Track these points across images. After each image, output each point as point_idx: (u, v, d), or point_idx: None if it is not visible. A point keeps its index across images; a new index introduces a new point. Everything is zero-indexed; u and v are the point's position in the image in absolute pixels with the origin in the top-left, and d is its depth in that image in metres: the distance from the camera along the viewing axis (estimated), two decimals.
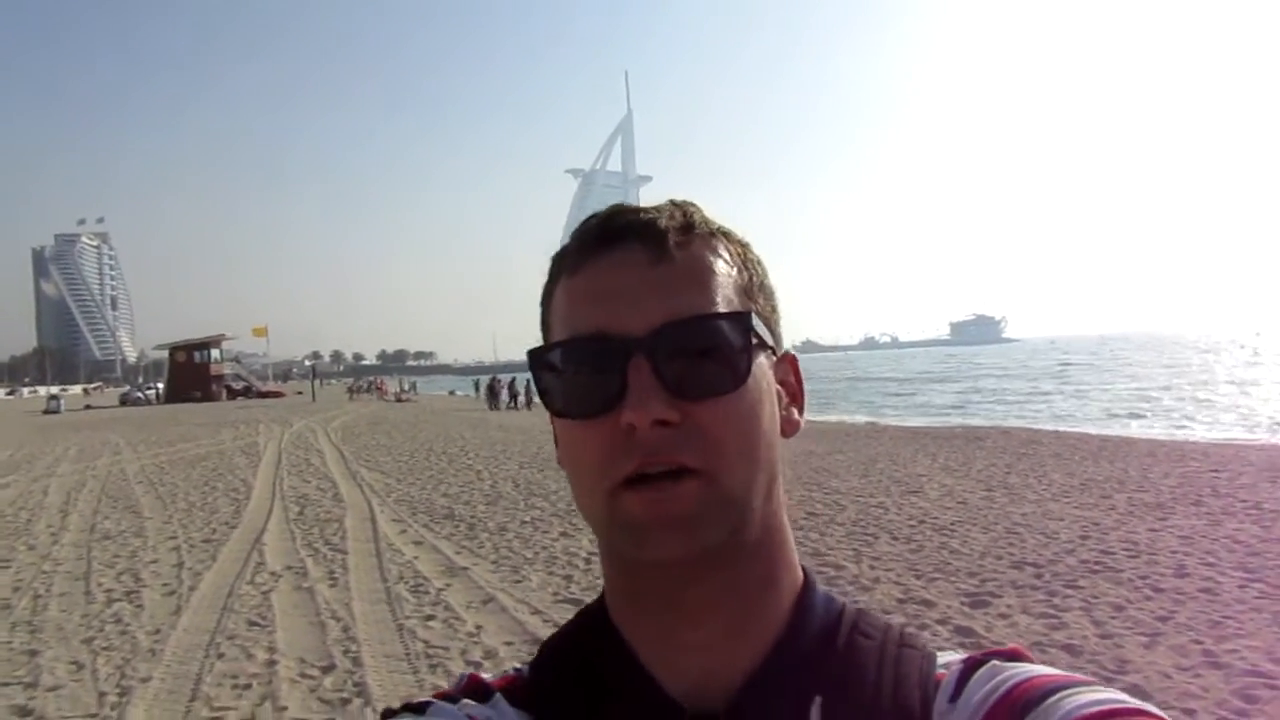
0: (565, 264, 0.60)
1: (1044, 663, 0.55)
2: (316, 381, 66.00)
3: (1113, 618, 5.13)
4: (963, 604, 5.52)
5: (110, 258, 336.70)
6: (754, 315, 0.56)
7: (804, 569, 0.61)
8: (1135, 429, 21.03)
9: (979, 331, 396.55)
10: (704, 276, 0.56)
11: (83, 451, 19.95)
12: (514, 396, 37.62)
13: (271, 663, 4.92)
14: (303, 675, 4.73)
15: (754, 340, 0.55)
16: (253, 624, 5.67)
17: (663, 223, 0.57)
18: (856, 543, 7.40)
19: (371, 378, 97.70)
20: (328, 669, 4.79)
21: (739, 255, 0.60)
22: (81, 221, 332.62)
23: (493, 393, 38.77)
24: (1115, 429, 20.92)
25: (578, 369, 0.55)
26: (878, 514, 8.68)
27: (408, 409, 39.92)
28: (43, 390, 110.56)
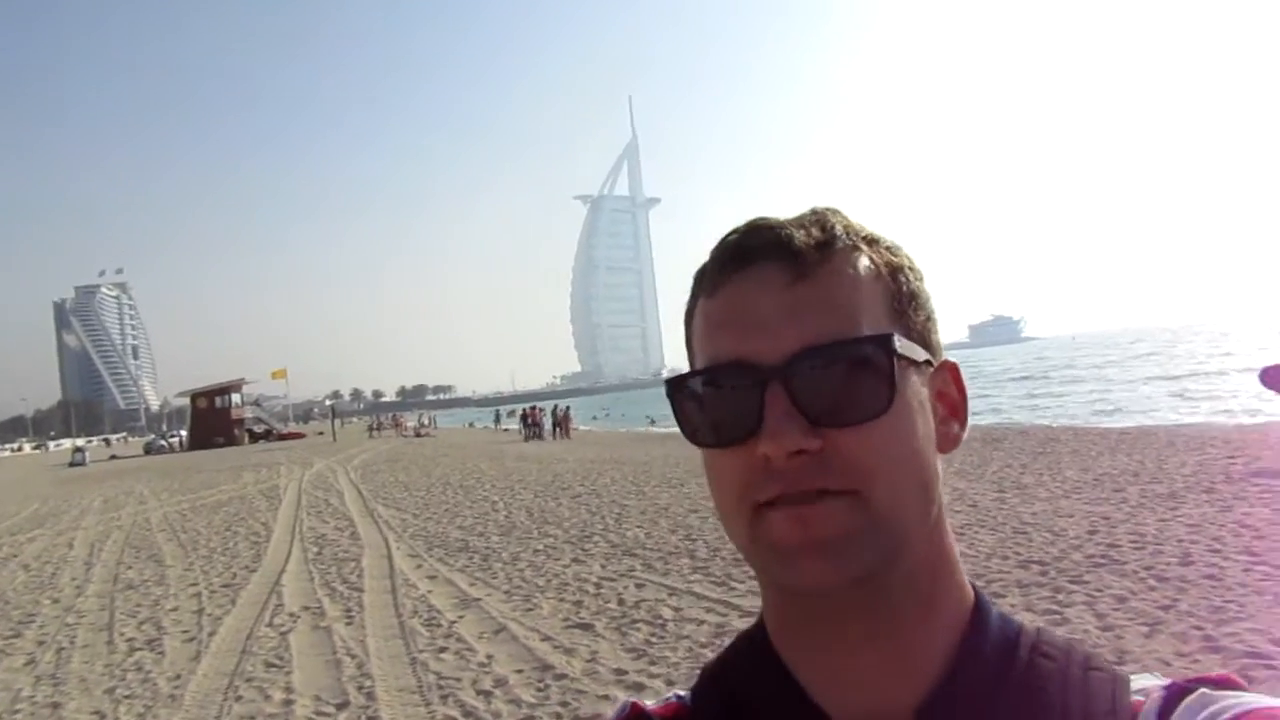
0: (703, 285, 0.57)
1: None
2: (336, 421, 66.51)
3: (1115, 609, 5.16)
4: None
5: (130, 307, 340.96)
6: (897, 336, 0.52)
7: (974, 588, 0.57)
8: (1148, 419, 20.91)
9: (998, 332, 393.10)
10: (844, 296, 0.53)
11: (107, 502, 20.21)
12: (556, 425, 36.60)
13: (288, 702, 5.02)
14: (318, 713, 4.83)
15: (899, 360, 0.52)
16: (270, 665, 5.77)
17: (799, 239, 0.54)
18: None
19: (391, 414, 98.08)
20: (342, 705, 4.89)
21: (886, 265, 0.56)
22: (101, 273, 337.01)
23: (528, 422, 37.37)
24: (1130, 421, 20.81)
25: (715, 397, 0.53)
26: None
27: (426, 444, 40.10)
28: (68, 443, 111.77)
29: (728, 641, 0.62)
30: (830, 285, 0.53)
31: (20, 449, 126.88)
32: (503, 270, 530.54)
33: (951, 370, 0.58)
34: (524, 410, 40.03)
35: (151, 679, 5.71)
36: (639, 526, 9.92)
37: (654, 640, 5.51)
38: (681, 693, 0.61)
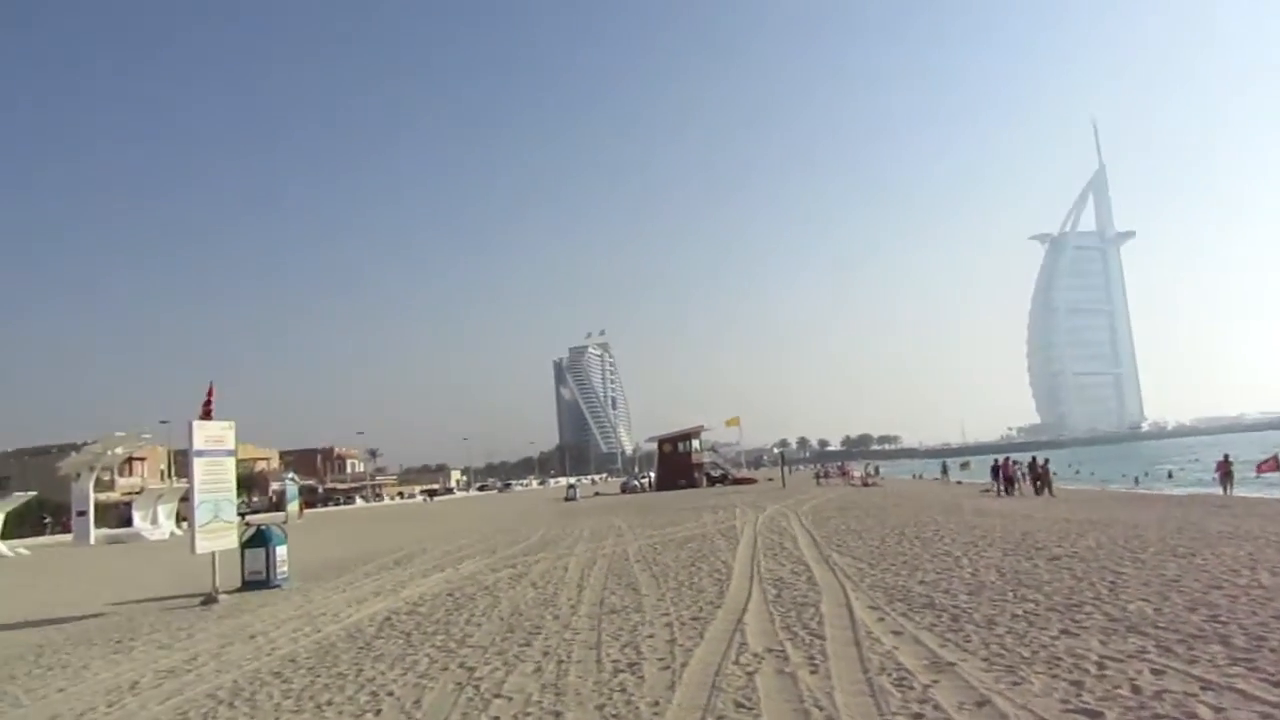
0: None
1: None
2: (785, 468, 68.70)
3: None
4: None
5: (610, 364, 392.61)
6: None
7: None
8: None
9: None
10: None
11: (593, 533, 22.82)
12: (1037, 480, 32.53)
13: None
14: None
15: None
16: (739, 705, 5.72)
17: None
18: None
19: (838, 463, 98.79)
20: None
21: None
22: (588, 335, 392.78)
23: (1000, 475, 33.91)
24: None
25: None
26: None
27: (874, 493, 39.41)
28: (564, 481, 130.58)
29: None
30: None
31: (529, 484, 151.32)
32: (952, 317, 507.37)
33: None
34: (996, 462, 36.06)
35: (634, 702, 5.99)
36: (1143, 600, 8.36)
37: None
38: None
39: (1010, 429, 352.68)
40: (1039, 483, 32.41)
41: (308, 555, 22.12)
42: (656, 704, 5.90)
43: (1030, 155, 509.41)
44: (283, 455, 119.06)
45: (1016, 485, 33.37)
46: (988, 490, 37.11)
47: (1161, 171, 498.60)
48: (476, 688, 6.76)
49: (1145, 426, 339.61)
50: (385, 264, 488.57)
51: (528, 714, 5.90)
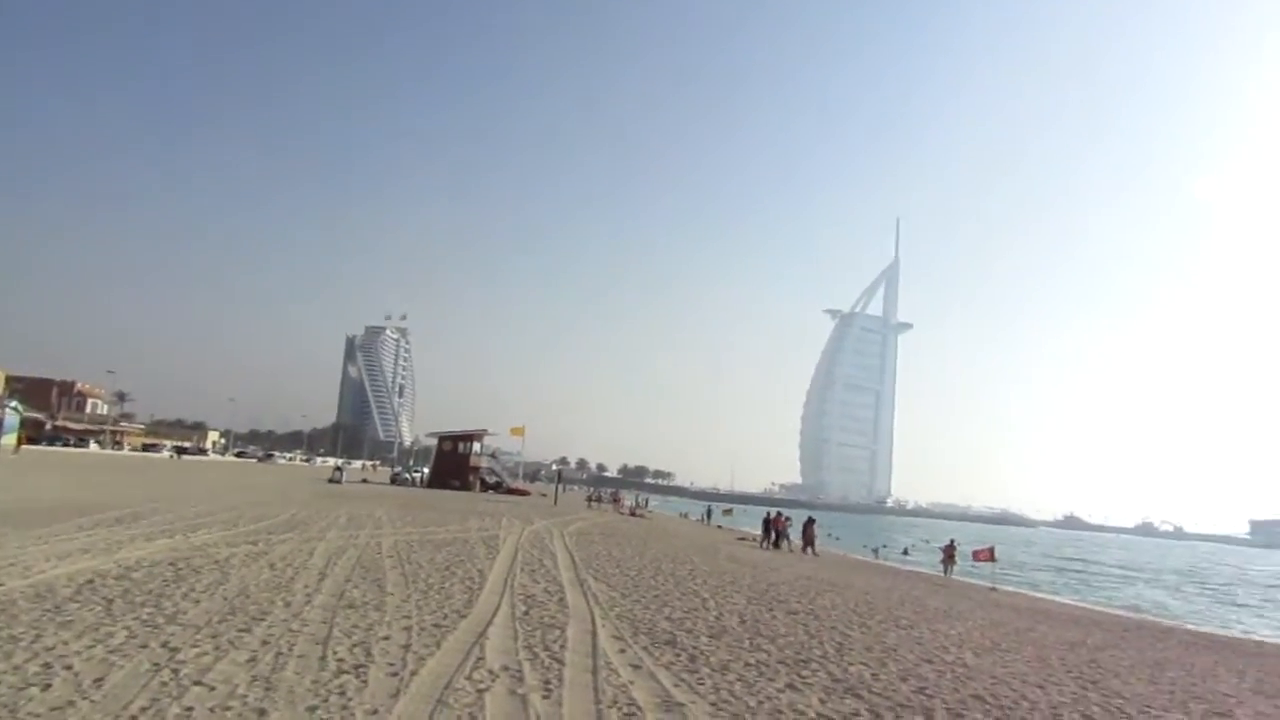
0: None
1: None
2: (560, 486, 68.97)
3: None
4: None
5: (406, 350, 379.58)
6: None
7: None
8: None
9: None
10: None
11: (350, 520, 21.67)
12: (808, 540, 33.86)
13: None
14: None
15: None
16: None
17: None
18: None
19: (611, 490, 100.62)
20: None
21: None
22: (388, 316, 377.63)
23: (770, 531, 34.37)
24: None
25: None
26: None
27: (640, 525, 40.24)
28: (331, 461, 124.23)
29: None
30: None
31: (293, 459, 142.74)
32: (740, 368, 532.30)
33: None
34: (768, 515, 36.59)
35: (350, 708, 5.60)
36: (863, 664, 8.90)
37: None
38: None
39: (774, 484, 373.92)
40: (806, 541, 34.23)
41: (14, 496, 19.56)
42: (375, 712, 5.54)
43: (836, 235, 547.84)
44: (10, 380, 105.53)
45: (785, 540, 34.90)
46: (744, 538, 38.86)
47: (946, 276, 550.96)
48: (176, 671, 6.08)
49: (890, 502, 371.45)
50: (174, 195, 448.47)
51: (227, 708, 5.35)
